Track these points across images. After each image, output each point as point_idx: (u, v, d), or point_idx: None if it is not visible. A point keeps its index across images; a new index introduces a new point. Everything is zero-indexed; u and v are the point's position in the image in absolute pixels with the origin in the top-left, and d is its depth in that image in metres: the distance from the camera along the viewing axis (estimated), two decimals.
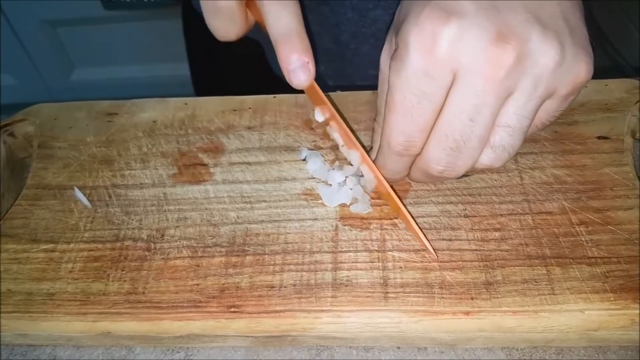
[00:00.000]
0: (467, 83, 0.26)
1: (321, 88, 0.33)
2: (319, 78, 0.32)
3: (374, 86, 0.33)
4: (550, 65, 0.26)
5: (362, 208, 0.34)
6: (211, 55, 0.61)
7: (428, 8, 0.26)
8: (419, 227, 0.32)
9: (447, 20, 0.26)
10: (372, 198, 0.35)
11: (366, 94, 0.41)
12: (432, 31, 0.26)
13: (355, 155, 0.34)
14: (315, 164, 0.36)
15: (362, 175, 0.35)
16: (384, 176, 0.33)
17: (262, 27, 0.35)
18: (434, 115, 0.27)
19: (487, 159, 0.29)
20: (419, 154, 0.30)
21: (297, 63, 0.31)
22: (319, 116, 0.35)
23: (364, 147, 0.34)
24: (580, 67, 0.27)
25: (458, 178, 0.35)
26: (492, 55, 0.25)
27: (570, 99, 0.29)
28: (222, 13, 0.34)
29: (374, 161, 0.33)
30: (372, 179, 0.33)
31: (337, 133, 0.36)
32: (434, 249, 0.31)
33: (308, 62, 0.31)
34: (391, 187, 0.33)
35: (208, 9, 0.34)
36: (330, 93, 0.41)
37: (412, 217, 0.32)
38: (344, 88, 0.42)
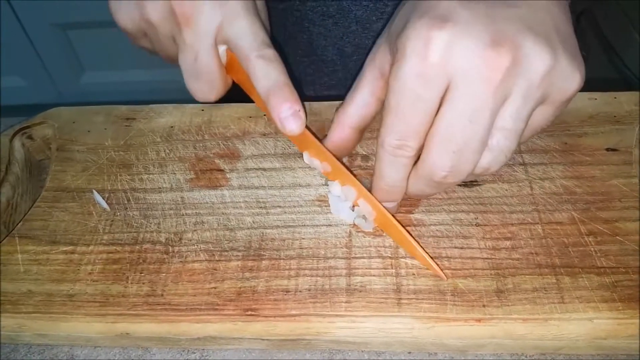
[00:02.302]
0: (466, 87, 0.27)
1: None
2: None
3: None
4: (544, 69, 0.27)
5: (366, 226, 0.34)
6: None
7: (426, 16, 0.27)
8: (426, 252, 0.32)
9: (442, 26, 0.27)
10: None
11: None
12: (426, 36, 0.27)
13: (350, 190, 0.34)
14: None
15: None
16: (382, 193, 0.32)
17: (242, 88, 0.37)
18: (428, 119, 0.28)
19: (486, 161, 0.29)
20: (415, 164, 0.30)
21: (289, 112, 0.33)
22: (308, 159, 0.36)
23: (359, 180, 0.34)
24: (574, 75, 0.28)
25: (470, 187, 0.35)
26: (488, 58, 0.26)
27: (565, 106, 0.30)
28: (202, 78, 0.36)
29: (371, 181, 0.33)
30: (371, 210, 0.33)
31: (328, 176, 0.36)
32: (442, 270, 0.32)
33: (299, 110, 0.33)
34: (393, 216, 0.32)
35: (188, 73, 0.36)
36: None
37: (417, 241, 0.32)
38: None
